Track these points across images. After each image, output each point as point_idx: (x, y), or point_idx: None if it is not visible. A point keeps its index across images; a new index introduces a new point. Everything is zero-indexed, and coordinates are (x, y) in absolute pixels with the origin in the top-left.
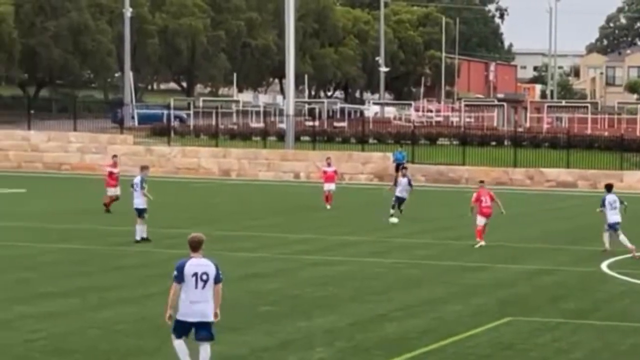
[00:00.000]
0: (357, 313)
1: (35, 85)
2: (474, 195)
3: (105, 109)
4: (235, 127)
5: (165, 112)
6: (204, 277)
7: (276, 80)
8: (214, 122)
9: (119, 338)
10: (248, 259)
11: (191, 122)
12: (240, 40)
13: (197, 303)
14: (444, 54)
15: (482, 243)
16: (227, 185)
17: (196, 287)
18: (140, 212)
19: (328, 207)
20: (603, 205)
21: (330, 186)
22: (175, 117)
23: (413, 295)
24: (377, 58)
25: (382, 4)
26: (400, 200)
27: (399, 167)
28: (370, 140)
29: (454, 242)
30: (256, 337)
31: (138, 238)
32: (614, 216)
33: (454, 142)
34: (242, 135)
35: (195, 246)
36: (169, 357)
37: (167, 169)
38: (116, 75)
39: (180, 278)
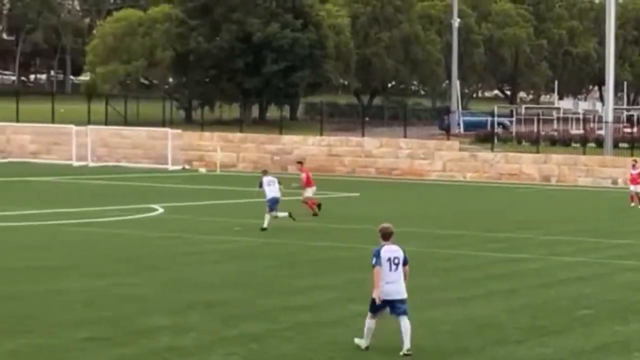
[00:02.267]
0: None
1: (369, 94)
2: None
3: (433, 116)
4: (556, 133)
5: (489, 119)
6: (396, 260)
7: (595, 88)
8: (535, 129)
9: (443, 338)
10: (568, 264)
11: (513, 129)
12: (561, 48)
13: (392, 283)
14: None
15: None
16: (547, 190)
17: (390, 269)
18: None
19: (632, 205)
20: None
21: (637, 188)
22: (499, 123)
23: None
24: None
25: None
26: None
27: None
28: None
29: None
30: (575, 340)
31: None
32: None
33: None
34: (562, 142)
35: (388, 235)
36: (492, 358)
37: (490, 174)
38: (444, 83)
39: (379, 262)
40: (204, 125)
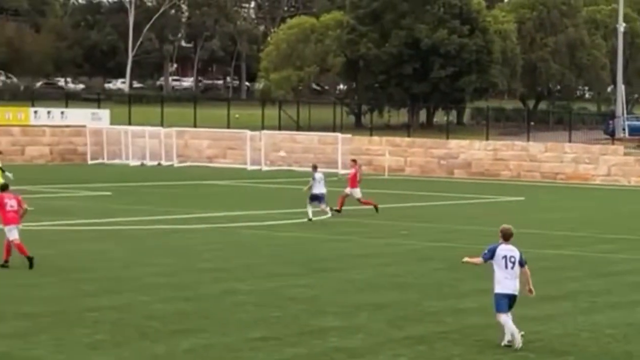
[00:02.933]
0: None
1: (535, 99)
2: None
3: (598, 120)
4: None
5: None
6: (512, 259)
7: None
8: None
9: (608, 342)
10: None
11: None
12: None
13: (510, 279)
14: None
15: None
16: None
17: (506, 267)
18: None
19: None
20: None
21: None
22: None
23: None
24: None
25: None
26: None
27: None
28: None
29: None
30: None
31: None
32: None
33: None
34: None
35: (508, 236)
36: None
37: None
38: (609, 88)
39: (487, 256)
40: (372, 130)
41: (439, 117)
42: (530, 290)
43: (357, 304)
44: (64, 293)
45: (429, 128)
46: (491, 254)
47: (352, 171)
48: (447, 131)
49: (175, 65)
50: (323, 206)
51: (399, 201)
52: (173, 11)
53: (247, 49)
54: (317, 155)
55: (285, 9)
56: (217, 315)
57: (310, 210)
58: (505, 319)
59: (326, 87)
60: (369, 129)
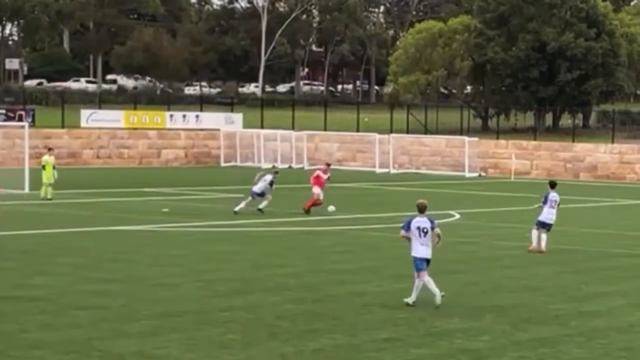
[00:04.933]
0: None
1: None
2: None
3: None
4: None
5: None
6: (424, 230)
7: None
8: None
9: None
10: None
11: None
12: None
13: (423, 246)
14: None
15: None
16: None
17: (420, 236)
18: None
19: None
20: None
21: None
22: None
23: None
24: None
25: None
26: None
27: None
28: None
29: None
30: None
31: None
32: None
33: None
34: None
35: (422, 209)
36: None
37: None
38: None
39: (405, 228)
40: (499, 133)
41: (565, 120)
42: (437, 242)
43: (482, 306)
44: (196, 293)
45: (555, 131)
46: (408, 226)
47: (324, 175)
48: (573, 134)
49: (306, 70)
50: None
51: (525, 204)
52: (304, 16)
53: (376, 53)
54: (445, 158)
55: (414, 13)
56: (345, 316)
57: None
58: (428, 278)
59: (453, 91)
60: (496, 132)
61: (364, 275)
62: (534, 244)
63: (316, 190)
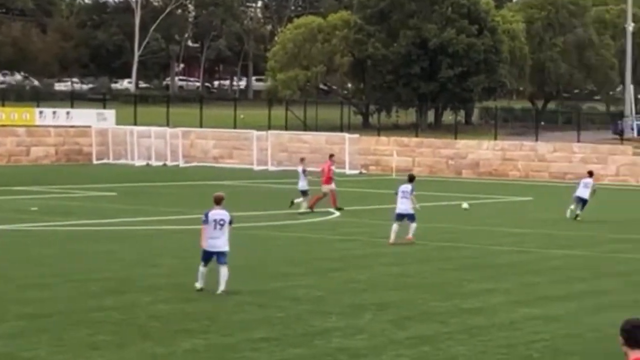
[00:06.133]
0: None
1: (543, 99)
2: None
3: (607, 120)
4: None
5: None
6: (221, 222)
7: None
8: None
9: (612, 343)
10: None
11: None
12: None
13: (216, 239)
14: None
15: None
16: None
17: (215, 228)
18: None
19: None
20: None
21: None
22: None
23: None
24: None
25: None
26: None
27: None
28: None
29: None
30: None
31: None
32: None
33: None
34: None
35: (218, 201)
36: None
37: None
38: (618, 88)
39: (204, 220)
40: (380, 130)
41: (447, 117)
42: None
43: (361, 304)
44: (66, 294)
45: (437, 128)
46: (206, 217)
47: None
48: (455, 131)
49: (182, 65)
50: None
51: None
52: (180, 11)
53: (254, 48)
54: (325, 156)
55: (292, 8)
56: (219, 316)
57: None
58: (203, 269)
59: (333, 87)
60: (377, 129)
61: (238, 274)
62: (392, 238)
63: (331, 186)
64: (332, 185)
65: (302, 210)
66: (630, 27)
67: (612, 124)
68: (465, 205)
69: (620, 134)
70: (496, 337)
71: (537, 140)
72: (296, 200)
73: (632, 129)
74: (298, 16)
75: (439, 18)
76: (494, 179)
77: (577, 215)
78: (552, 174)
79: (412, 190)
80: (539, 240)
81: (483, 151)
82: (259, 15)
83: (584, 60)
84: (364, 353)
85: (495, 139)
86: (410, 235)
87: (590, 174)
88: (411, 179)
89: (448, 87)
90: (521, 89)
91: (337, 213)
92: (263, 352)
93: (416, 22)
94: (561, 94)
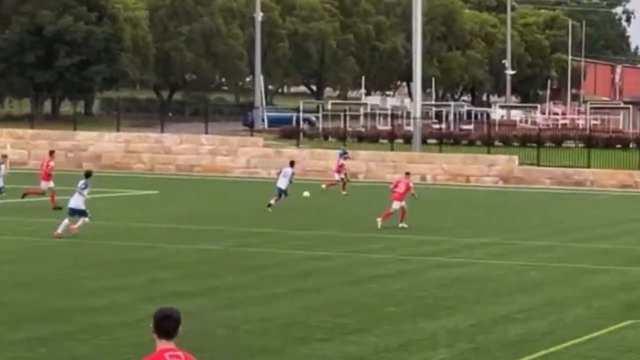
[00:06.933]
0: (479, 314)
1: (169, 89)
2: None
3: (236, 112)
4: (363, 129)
5: (295, 115)
6: None
7: (404, 84)
8: (342, 125)
9: (245, 337)
10: (374, 261)
11: (320, 125)
12: (368, 43)
13: None
14: (570, 57)
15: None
16: (355, 187)
17: None
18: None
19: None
20: None
21: None
22: (305, 119)
23: (535, 298)
24: (503, 61)
25: (509, 8)
26: None
27: None
28: (496, 143)
29: (577, 244)
30: (380, 337)
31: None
32: None
33: (580, 145)
34: (370, 138)
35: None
36: (295, 357)
37: (296, 171)
38: (247, 78)
39: None
40: None
41: (65, 107)
42: None
43: None
44: None
45: (55, 119)
46: None
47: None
48: (74, 122)
49: None
50: None
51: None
52: None
53: None
54: None
55: None
56: None
57: None
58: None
59: None
60: None
61: None
62: (60, 229)
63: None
64: None
65: None
66: (259, 16)
67: (243, 115)
68: (306, 193)
69: (250, 125)
70: (123, 336)
71: (162, 131)
72: None
73: (263, 121)
74: None
75: (55, 4)
76: (117, 172)
77: (269, 205)
78: (179, 166)
79: (86, 186)
80: (165, 235)
81: (105, 143)
82: None
83: (211, 49)
84: None
85: (118, 130)
86: (75, 226)
87: (292, 164)
88: (87, 174)
89: (66, 76)
90: (145, 79)
91: None
92: None
93: (30, 8)
94: (188, 84)
